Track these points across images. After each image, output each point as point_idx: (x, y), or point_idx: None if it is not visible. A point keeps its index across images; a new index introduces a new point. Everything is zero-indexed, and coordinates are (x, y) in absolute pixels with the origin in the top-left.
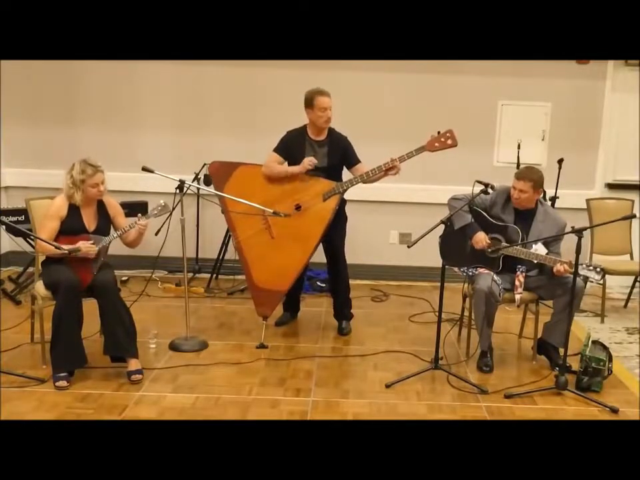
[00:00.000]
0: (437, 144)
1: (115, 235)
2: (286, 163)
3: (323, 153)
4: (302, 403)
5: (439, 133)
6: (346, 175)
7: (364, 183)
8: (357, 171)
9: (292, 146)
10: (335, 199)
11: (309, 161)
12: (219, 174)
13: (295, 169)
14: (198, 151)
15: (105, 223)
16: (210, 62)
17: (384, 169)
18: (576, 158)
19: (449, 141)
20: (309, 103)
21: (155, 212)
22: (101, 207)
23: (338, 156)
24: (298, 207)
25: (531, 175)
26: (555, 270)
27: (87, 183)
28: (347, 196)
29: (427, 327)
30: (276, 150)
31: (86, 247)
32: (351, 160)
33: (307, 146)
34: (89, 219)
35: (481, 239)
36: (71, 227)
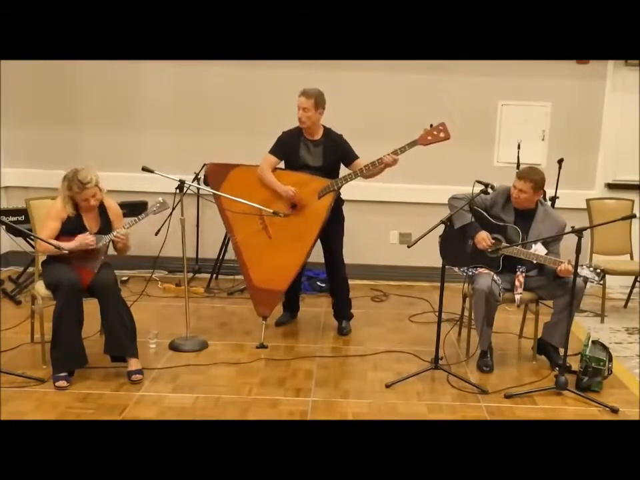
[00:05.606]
0: (429, 137)
1: (112, 235)
2: (283, 163)
3: (318, 152)
4: (302, 403)
5: (431, 125)
6: (343, 172)
7: (364, 177)
8: (355, 167)
9: (287, 146)
10: (330, 196)
11: (291, 191)
12: (214, 175)
13: (279, 188)
14: (198, 151)
15: (106, 225)
16: (210, 62)
17: (378, 164)
18: (576, 158)
19: (442, 134)
20: None
21: (154, 209)
22: (103, 210)
23: (334, 155)
24: (294, 206)
25: (532, 176)
26: (559, 270)
27: (75, 199)
28: (346, 196)
29: (427, 327)
30: (271, 151)
31: (84, 238)
32: (348, 157)
33: (302, 146)
34: (91, 222)
35: (483, 237)
36: (72, 228)
